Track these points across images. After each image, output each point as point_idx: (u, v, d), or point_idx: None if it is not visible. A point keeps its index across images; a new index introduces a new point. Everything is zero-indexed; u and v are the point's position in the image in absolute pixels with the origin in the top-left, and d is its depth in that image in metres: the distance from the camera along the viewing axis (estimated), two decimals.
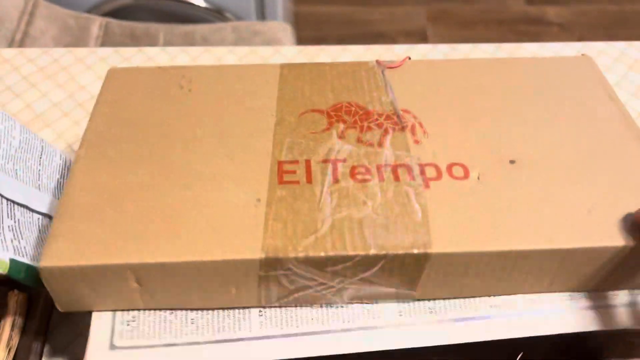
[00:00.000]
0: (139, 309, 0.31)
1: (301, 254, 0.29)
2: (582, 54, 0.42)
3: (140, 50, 0.58)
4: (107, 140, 0.35)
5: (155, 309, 0.31)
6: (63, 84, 0.55)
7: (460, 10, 1.53)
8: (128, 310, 0.31)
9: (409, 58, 0.41)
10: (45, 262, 0.28)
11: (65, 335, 0.39)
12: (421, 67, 0.40)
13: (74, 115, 0.52)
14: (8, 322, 0.38)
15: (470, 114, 0.37)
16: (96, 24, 0.86)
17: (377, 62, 0.41)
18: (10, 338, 0.37)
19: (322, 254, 0.29)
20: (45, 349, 0.39)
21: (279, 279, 0.30)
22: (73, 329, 0.39)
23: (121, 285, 0.29)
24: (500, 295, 0.32)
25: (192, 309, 0.31)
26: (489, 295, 0.32)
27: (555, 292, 0.32)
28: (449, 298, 0.32)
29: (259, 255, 0.29)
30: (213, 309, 0.31)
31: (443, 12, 1.53)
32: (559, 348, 0.35)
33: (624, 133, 0.36)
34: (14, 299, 0.38)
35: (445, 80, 0.39)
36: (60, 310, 0.31)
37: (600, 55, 0.57)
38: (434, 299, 0.32)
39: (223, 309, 0.31)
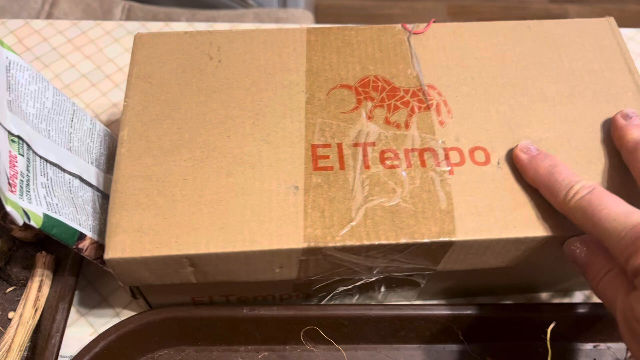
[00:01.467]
0: (191, 283, 0.35)
1: (339, 243, 0.32)
2: (606, 17, 0.42)
3: (167, 24, 0.57)
4: (146, 121, 0.36)
5: (205, 283, 0.35)
6: (91, 55, 0.55)
7: (481, 6, 1.50)
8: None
9: (434, 21, 0.41)
10: (110, 255, 0.31)
11: (91, 297, 0.43)
12: (446, 32, 0.41)
13: (101, 87, 0.53)
14: (36, 282, 0.41)
15: (492, 89, 0.38)
16: (119, 7, 0.84)
17: (403, 26, 0.41)
18: (37, 298, 0.40)
19: (358, 243, 0.32)
20: (72, 310, 0.42)
21: (317, 262, 0.33)
22: (99, 291, 0.43)
23: (177, 267, 0.33)
24: (512, 267, 0.36)
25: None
26: (503, 266, 0.36)
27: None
28: (466, 269, 0.36)
29: (301, 245, 0.32)
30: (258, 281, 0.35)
31: (463, 7, 1.49)
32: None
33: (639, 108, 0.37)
34: (42, 260, 0.41)
35: (470, 48, 0.40)
36: (121, 285, 0.35)
37: (629, 42, 0.57)
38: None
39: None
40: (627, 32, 0.58)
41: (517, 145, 0.35)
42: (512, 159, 0.35)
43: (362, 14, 1.50)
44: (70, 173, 0.38)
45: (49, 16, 0.80)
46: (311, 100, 0.37)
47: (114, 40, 0.57)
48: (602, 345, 0.41)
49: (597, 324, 0.39)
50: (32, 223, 0.32)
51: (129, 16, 0.84)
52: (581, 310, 0.38)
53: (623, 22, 0.43)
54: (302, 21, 0.83)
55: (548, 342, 0.31)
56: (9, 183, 0.32)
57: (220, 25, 0.59)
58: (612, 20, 0.42)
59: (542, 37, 0.41)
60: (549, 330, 0.31)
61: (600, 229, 0.30)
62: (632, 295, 0.28)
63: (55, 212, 0.34)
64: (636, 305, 0.28)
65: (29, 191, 0.33)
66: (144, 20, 0.84)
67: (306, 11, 0.86)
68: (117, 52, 0.56)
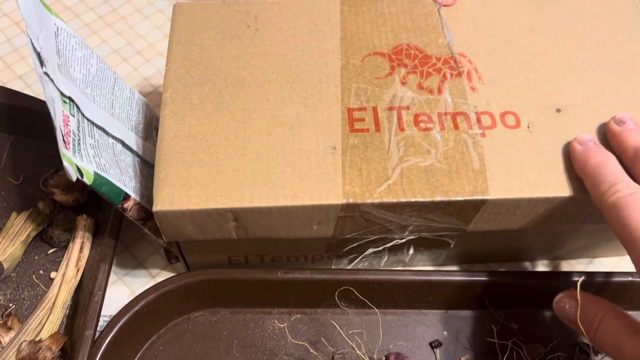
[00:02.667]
0: (232, 239, 0.36)
1: (377, 200, 0.33)
2: None
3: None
4: (188, 84, 0.38)
5: (244, 240, 0.36)
6: (122, 32, 0.56)
7: None
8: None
9: None
10: (158, 207, 0.33)
11: (128, 261, 0.45)
12: (475, 4, 0.42)
13: (133, 62, 0.54)
14: (77, 244, 0.42)
15: (521, 58, 0.39)
16: None
17: None
18: (79, 259, 0.42)
19: (394, 200, 0.33)
20: (112, 270, 0.43)
21: (354, 219, 0.35)
22: (135, 255, 0.45)
23: (220, 222, 0.34)
24: (538, 231, 0.37)
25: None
26: (530, 229, 0.37)
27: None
28: (495, 230, 0.37)
29: (340, 201, 0.33)
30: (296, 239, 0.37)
31: None
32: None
33: None
34: (83, 223, 0.43)
35: (498, 20, 0.41)
36: (165, 240, 0.36)
37: None
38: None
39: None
40: None
41: (575, 137, 0.35)
42: (541, 123, 0.36)
43: None
44: (113, 137, 0.40)
45: None
46: (346, 66, 0.39)
47: (144, 18, 0.58)
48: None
49: (620, 291, 0.40)
50: (85, 179, 0.34)
51: None
52: (602, 278, 0.39)
53: None
54: None
55: (578, 294, 0.32)
56: (64, 140, 0.33)
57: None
58: None
59: (568, 9, 0.42)
60: (579, 284, 0.32)
61: (629, 234, 0.28)
62: None
63: (104, 172, 0.36)
64: None
65: (80, 150, 0.35)
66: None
67: None
68: (147, 29, 0.57)
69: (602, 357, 0.39)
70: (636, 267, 0.29)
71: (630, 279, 0.39)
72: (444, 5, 0.42)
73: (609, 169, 0.32)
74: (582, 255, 0.44)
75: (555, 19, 0.41)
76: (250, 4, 0.42)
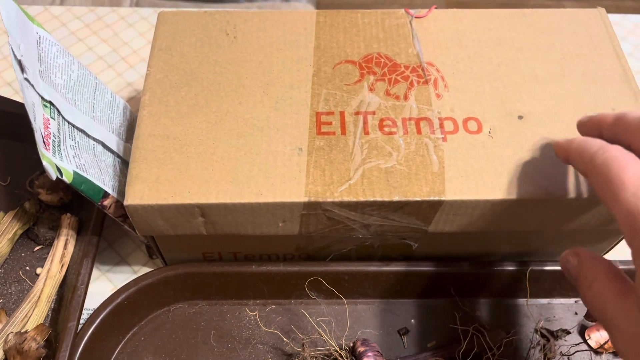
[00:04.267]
0: (202, 234, 0.38)
1: (337, 199, 0.35)
2: (597, 7, 0.45)
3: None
4: (166, 88, 0.40)
5: (214, 235, 0.38)
6: (107, 39, 0.59)
7: (479, 2, 1.55)
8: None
9: (436, 7, 0.44)
10: (129, 201, 0.35)
11: (111, 257, 0.47)
12: (446, 17, 0.44)
13: (117, 68, 0.57)
14: (61, 241, 0.44)
15: (487, 68, 0.41)
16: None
17: (406, 11, 0.44)
18: (63, 255, 0.44)
19: (354, 199, 0.35)
20: (93, 268, 0.44)
21: (317, 217, 0.36)
22: (118, 252, 0.47)
23: (189, 217, 0.36)
24: (500, 230, 0.38)
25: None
26: (490, 231, 0.38)
27: (545, 230, 0.39)
28: (456, 232, 0.38)
29: (303, 199, 0.35)
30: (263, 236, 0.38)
31: (462, 2, 1.54)
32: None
33: (625, 91, 0.40)
34: (67, 221, 0.45)
35: (467, 32, 0.43)
36: (139, 234, 0.38)
37: (615, 26, 0.60)
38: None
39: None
40: (613, 18, 0.62)
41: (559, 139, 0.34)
42: (502, 129, 0.38)
43: (363, 8, 1.54)
44: (94, 139, 0.42)
45: (62, 5, 0.85)
46: (318, 73, 0.40)
47: (129, 25, 0.61)
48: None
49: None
50: (64, 178, 0.36)
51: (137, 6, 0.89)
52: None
53: None
54: None
55: (527, 283, 0.33)
56: (44, 142, 0.35)
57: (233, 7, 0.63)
58: (602, 10, 0.45)
59: (536, 23, 0.44)
60: (527, 273, 0.34)
61: (616, 194, 0.27)
62: (638, 280, 0.25)
63: (83, 171, 0.38)
64: None
65: (60, 151, 0.37)
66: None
67: (308, 4, 0.88)
68: (131, 36, 0.60)
69: (558, 342, 0.41)
70: (622, 227, 0.27)
71: None
72: (416, 17, 0.44)
73: (594, 140, 0.30)
74: (551, 259, 0.45)
75: (523, 32, 0.43)
76: (230, 14, 0.44)
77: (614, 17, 0.62)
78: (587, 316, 0.42)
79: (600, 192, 0.28)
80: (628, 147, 0.29)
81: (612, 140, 0.30)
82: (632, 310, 0.26)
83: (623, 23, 0.62)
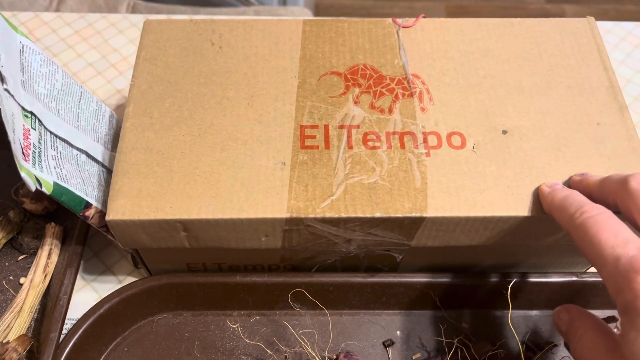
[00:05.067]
0: (185, 247, 0.38)
1: (319, 215, 0.35)
2: (587, 17, 0.44)
3: (170, 18, 0.61)
4: (150, 99, 0.39)
5: (198, 247, 0.38)
6: (97, 46, 0.58)
7: (480, 7, 1.54)
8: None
9: (424, 16, 0.44)
10: (111, 216, 0.35)
11: (96, 267, 0.46)
12: (434, 27, 0.44)
13: (106, 75, 0.57)
14: (45, 250, 0.44)
15: (473, 80, 0.41)
16: (124, 4, 0.89)
17: (393, 20, 0.44)
18: (46, 265, 0.44)
19: (337, 215, 0.35)
20: (78, 278, 0.45)
21: (300, 232, 0.36)
22: (103, 261, 0.47)
23: (171, 232, 0.36)
24: (482, 244, 0.38)
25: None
26: (473, 245, 0.38)
27: (528, 244, 0.39)
28: (439, 246, 0.38)
29: (285, 214, 0.35)
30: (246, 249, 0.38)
31: (462, 7, 1.54)
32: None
33: (610, 104, 0.40)
34: (51, 230, 0.45)
35: (454, 42, 0.43)
36: (121, 247, 0.38)
37: (607, 34, 0.60)
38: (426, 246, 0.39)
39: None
40: (606, 25, 0.62)
41: (544, 182, 0.36)
42: (486, 144, 0.38)
43: (362, 13, 1.54)
44: (77, 148, 0.42)
45: (57, 12, 0.85)
46: (303, 85, 0.40)
47: (119, 32, 0.60)
48: None
49: (565, 292, 0.42)
50: (44, 189, 0.36)
51: (133, 12, 0.89)
52: (547, 279, 0.41)
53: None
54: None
55: (509, 296, 0.33)
56: (23, 153, 0.35)
57: (223, 16, 0.63)
58: (592, 20, 0.44)
59: (523, 33, 0.43)
60: (509, 287, 0.34)
61: (598, 252, 0.28)
62: (624, 337, 0.27)
63: (64, 182, 0.38)
64: (632, 347, 0.26)
65: (40, 162, 0.37)
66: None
67: (305, 9, 0.89)
68: (121, 42, 0.60)
69: (542, 353, 0.41)
70: (607, 284, 0.28)
71: (574, 278, 0.41)
72: (404, 27, 0.43)
73: (576, 197, 0.33)
74: (537, 270, 0.45)
75: (511, 43, 0.43)
76: (216, 23, 0.44)
77: (608, 24, 0.62)
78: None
79: (582, 250, 0.30)
80: (614, 206, 0.32)
81: (598, 200, 0.33)
82: None
83: (616, 30, 0.61)
